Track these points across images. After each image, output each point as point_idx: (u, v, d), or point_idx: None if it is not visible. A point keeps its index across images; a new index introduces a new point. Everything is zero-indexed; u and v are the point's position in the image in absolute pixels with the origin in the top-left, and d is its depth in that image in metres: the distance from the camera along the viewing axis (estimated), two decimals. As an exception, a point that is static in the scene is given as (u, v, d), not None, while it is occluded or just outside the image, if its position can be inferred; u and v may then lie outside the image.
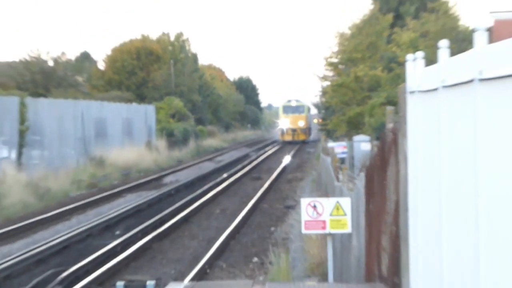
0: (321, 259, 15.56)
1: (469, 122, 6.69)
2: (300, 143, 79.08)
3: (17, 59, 61.35)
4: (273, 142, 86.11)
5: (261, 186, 35.68)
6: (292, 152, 63.99)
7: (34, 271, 17.30)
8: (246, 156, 61.49)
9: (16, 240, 21.85)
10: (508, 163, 5.65)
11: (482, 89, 6.26)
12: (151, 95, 72.82)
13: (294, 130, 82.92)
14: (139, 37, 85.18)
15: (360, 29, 43.83)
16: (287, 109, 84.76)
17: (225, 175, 42.14)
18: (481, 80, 6.24)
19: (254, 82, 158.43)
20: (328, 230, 12.93)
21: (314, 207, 12.97)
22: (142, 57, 79.39)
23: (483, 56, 6.28)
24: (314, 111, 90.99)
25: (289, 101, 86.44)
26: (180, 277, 15.87)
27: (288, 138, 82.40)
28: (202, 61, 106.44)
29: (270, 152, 67.33)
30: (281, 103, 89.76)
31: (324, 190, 25.04)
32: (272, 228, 24.05)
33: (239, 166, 49.28)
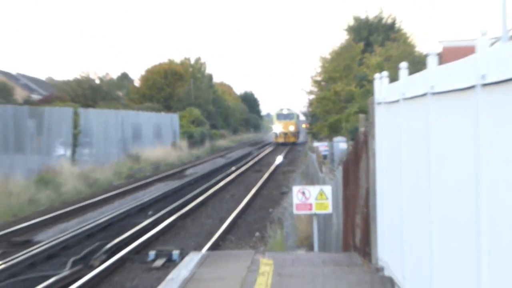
0: (308, 234, 15.54)
1: (423, 126, 6.69)
2: (291, 144, 78.22)
3: (71, 78, 61.51)
4: (270, 143, 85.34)
5: (262, 177, 35.64)
6: (285, 151, 63.83)
7: (85, 243, 17.30)
8: (249, 154, 61.42)
9: (71, 219, 21.88)
10: (453, 157, 5.66)
11: (434, 100, 6.26)
12: (175, 106, 72.83)
13: (285, 134, 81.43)
14: (166, 60, 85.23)
15: (338, 54, 43.81)
16: (280, 116, 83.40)
17: (233, 168, 42.12)
18: (433, 93, 6.25)
19: (256, 95, 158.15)
20: (314, 211, 12.93)
21: (303, 193, 12.99)
22: (168, 77, 79.47)
23: (435, 75, 6.28)
24: (302, 117, 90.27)
25: (281, 109, 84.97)
26: (198, 248, 15.86)
27: (281, 140, 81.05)
28: (215, 79, 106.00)
29: (268, 150, 67.17)
30: (274, 111, 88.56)
31: (310, 179, 25.04)
32: (270, 210, 24.02)
33: (244, 161, 49.26)
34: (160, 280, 10.42)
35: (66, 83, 61.74)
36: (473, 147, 4.93)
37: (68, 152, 34.36)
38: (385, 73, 9.60)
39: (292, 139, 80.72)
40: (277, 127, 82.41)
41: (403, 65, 8.14)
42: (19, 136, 29.44)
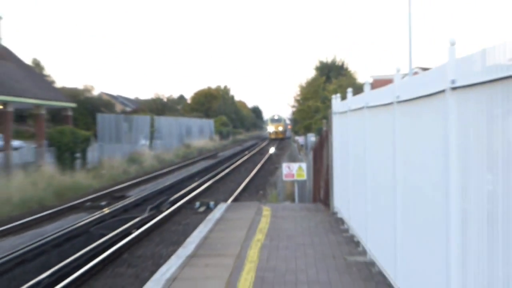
0: (291, 192, 15.55)
1: (361, 127, 6.69)
2: (280, 139, 76.41)
3: (148, 97, 61.84)
4: (266, 138, 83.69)
5: (263, 158, 35.64)
6: (276, 143, 63.64)
7: (157, 197, 17.36)
8: (256, 144, 61.39)
9: (149, 183, 21.94)
10: (379, 145, 5.65)
11: (368, 111, 6.26)
12: (212, 115, 72.65)
13: (276, 132, 77.45)
14: (206, 87, 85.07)
15: (309, 83, 43.64)
16: (272, 120, 79.47)
17: (246, 152, 42.11)
18: (368, 107, 6.23)
19: (261, 108, 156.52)
20: (295, 178, 12.94)
21: (288, 167, 12.98)
22: (207, 97, 79.47)
23: (368, 96, 6.27)
24: (288, 121, 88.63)
25: (273, 115, 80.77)
26: (225, 200, 15.89)
27: (273, 136, 76.98)
28: (236, 98, 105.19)
29: (266, 143, 66.96)
30: (269, 116, 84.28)
31: (293, 159, 25.02)
32: (269, 177, 24.03)
33: (252, 149, 49.30)
34: (202, 219, 10.45)
35: (146, 101, 61.84)
36: (392, 139, 4.95)
37: (147, 142, 34.38)
38: (338, 95, 9.59)
39: (280, 136, 78.75)
40: (270, 128, 79.83)
41: (349, 90, 8.14)
42: (118, 133, 29.54)
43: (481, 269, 2.91)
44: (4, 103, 21.24)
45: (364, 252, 6.61)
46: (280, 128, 79.45)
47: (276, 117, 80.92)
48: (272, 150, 45.43)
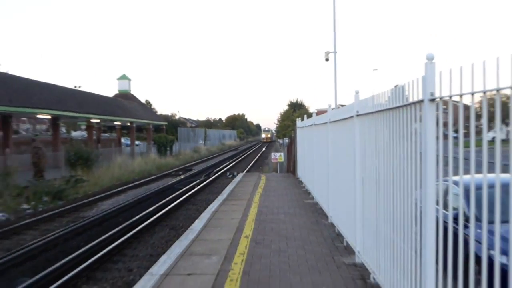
0: (276, 168, 15.44)
1: (311, 135, 6.65)
2: (269, 142, 67.92)
3: (203, 119, 61.55)
4: (260, 142, 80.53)
5: (261, 150, 35.42)
6: (267, 145, 62.97)
7: (208, 170, 17.13)
8: (258, 143, 60.80)
9: (203, 163, 21.68)
10: (320, 146, 5.61)
11: (315, 127, 6.21)
12: (235, 128, 72.18)
13: (266, 138, 68.93)
14: (231, 114, 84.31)
15: (285, 112, 43.32)
16: (264, 131, 72.37)
17: (253, 148, 41.81)
18: (315, 125, 6.19)
19: (260, 124, 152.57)
20: (278, 161, 12.88)
21: (274, 155, 12.93)
22: (233, 119, 78.85)
23: (315, 119, 6.22)
24: (274, 131, 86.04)
25: (265, 128, 74.17)
26: (242, 171, 15.76)
27: (265, 140, 68.24)
28: (248, 119, 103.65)
29: (260, 144, 66.28)
30: (262, 128, 78.18)
31: (277, 151, 24.85)
32: (265, 160, 23.85)
33: (256, 146, 48.83)
34: (230, 181, 10.42)
35: (202, 121, 61.87)
36: (327, 144, 4.92)
37: (203, 142, 34.28)
38: (299, 119, 9.54)
39: (269, 140, 73.76)
40: (263, 135, 72.54)
41: (305, 116, 8.11)
42: (188, 137, 29.51)
43: (371, 206, 2.93)
44: (131, 122, 21.58)
45: (312, 198, 6.62)
46: (269, 135, 76.87)
47: (266, 129, 77.97)
48: (264, 147, 44.94)
